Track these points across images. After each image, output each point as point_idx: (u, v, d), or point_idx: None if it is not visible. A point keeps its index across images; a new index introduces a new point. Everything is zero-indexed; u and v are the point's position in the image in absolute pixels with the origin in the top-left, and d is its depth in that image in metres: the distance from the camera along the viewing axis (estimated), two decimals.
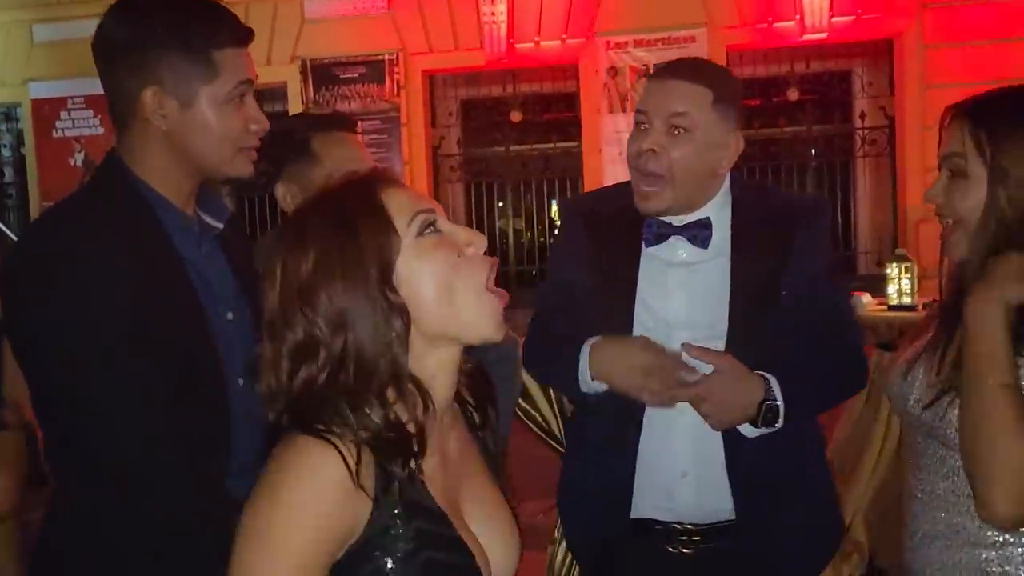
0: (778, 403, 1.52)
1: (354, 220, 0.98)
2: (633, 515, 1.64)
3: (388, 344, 0.96)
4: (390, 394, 0.97)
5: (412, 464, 0.96)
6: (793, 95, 6.78)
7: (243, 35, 1.34)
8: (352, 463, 0.91)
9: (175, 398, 1.19)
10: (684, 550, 1.64)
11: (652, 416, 1.63)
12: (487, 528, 1.04)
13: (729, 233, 1.64)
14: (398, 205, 1.00)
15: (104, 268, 1.19)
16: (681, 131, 1.57)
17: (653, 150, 1.58)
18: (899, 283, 4.87)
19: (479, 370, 1.16)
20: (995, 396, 1.20)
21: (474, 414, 1.14)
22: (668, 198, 1.60)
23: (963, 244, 1.31)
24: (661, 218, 1.66)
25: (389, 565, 0.93)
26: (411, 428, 0.98)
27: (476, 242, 1.02)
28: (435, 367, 1.02)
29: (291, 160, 1.87)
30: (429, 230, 1.00)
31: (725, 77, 1.68)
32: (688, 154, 1.58)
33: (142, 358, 1.18)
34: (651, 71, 1.67)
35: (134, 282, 1.20)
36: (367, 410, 0.94)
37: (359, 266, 0.96)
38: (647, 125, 1.61)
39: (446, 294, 0.98)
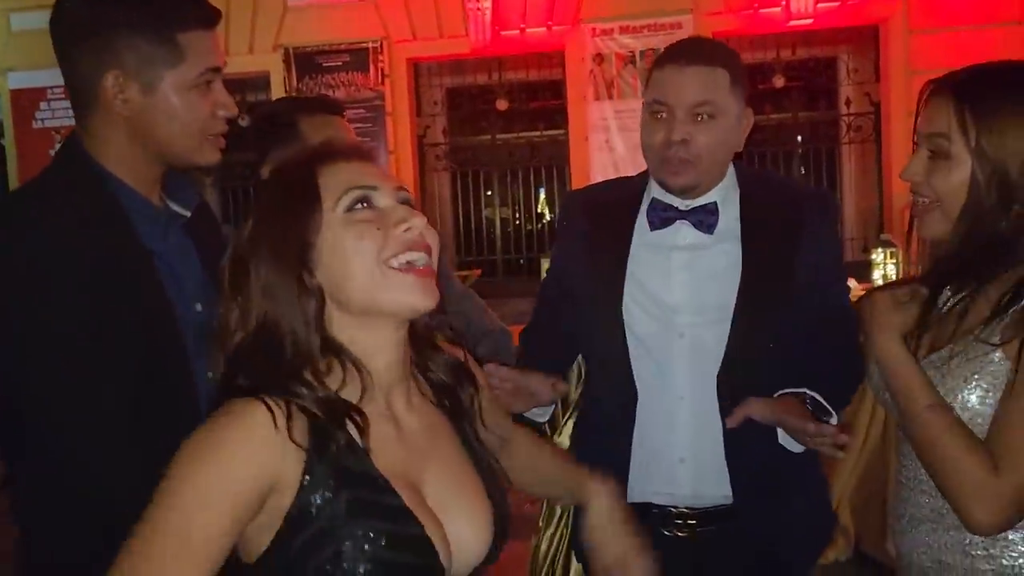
0: (814, 396, 1.53)
1: (282, 195, 1.00)
2: (633, 499, 1.65)
3: (302, 323, 0.97)
4: (320, 367, 0.99)
5: (352, 432, 0.96)
6: (779, 82, 6.78)
7: (210, 17, 1.30)
8: (280, 416, 0.92)
9: (140, 394, 1.15)
10: (680, 533, 1.65)
11: (652, 403, 1.63)
12: (452, 504, 1.03)
13: (738, 219, 1.64)
14: (334, 181, 1.00)
15: (62, 259, 1.15)
16: (705, 117, 1.56)
17: (684, 140, 1.57)
18: (884, 268, 4.89)
19: (460, 362, 1.15)
20: (931, 420, 1.23)
21: (448, 401, 1.14)
22: (695, 176, 1.60)
23: (941, 224, 1.30)
24: (667, 201, 1.66)
25: (345, 544, 0.93)
26: (347, 398, 0.98)
27: (412, 222, 1.01)
28: (372, 344, 1.02)
29: (278, 143, 1.84)
30: (360, 206, 1.00)
31: (733, 55, 1.68)
32: (714, 137, 1.58)
33: (104, 354, 1.14)
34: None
35: (95, 273, 1.16)
36: (295, 380, 0.96)
37: (281, 242, 0.98)
38: (666, 114, 1.59)
39: (359, 267, 0.99)
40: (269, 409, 0.92)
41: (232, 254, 1.01)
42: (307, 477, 0.93)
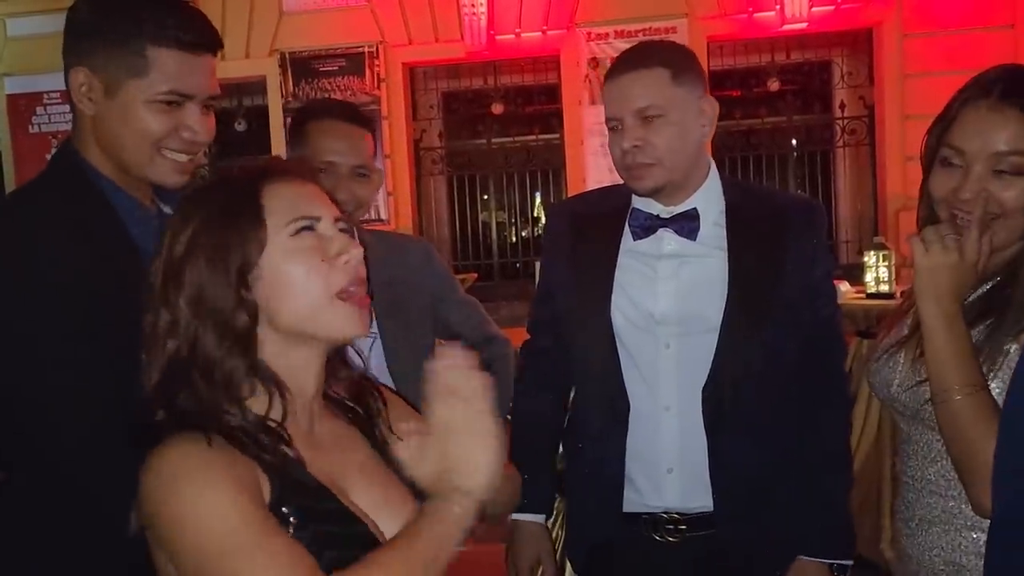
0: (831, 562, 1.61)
1: (227, 211, 1.01)
2: (626, 509, 1.66)
3: (234, 337, 0.99)
4: (246, 387, 1.01)
5: (283, 449, 0.99)
6: (774, 85, 6.80)
7: (190, 41, 1.28)
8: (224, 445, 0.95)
9: (129, 391, 1.16)
10: (670, 538, 1.65)
11: (639, 414, 1.63)
12: (381, 507, 1.06)
13: (723, 228, 1.64)
14: (278, 203, 1.02)
15: (49, 256, 1.16)
16: (654, 118, 1.57)
17: (636, 145, 1.57)
18: (877, 271, 4.89)
19: (362, 376, 1.19)
20: (964, 404, 1.19)
21: (359, 411, 1.17)
22: (661, 176, 1.59)
23: (1002, 234, 1.27)
24: (648, 210, 1.66)
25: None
26: (274, 415, 1.01)
27: (351, 253, 1.04)
28: (299, 364, 1.05)
29: (290, 143, 1.87)
30: (305, 232, 1.02)
31: (675, 50, 1.67)
32: (670, 135, 1.57)
33: (93, 352, 1.14)
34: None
35: (86, 272, 1.17)
36: (224, 398, 0.99)
37: (222, 257, 0.99)
38: (620, 126, 1.60)
39: (304, 295, 1.01)
40: (208, 439, 0.94)
41: (166, 257, 1.01)
42: (268, 487, 0.96)
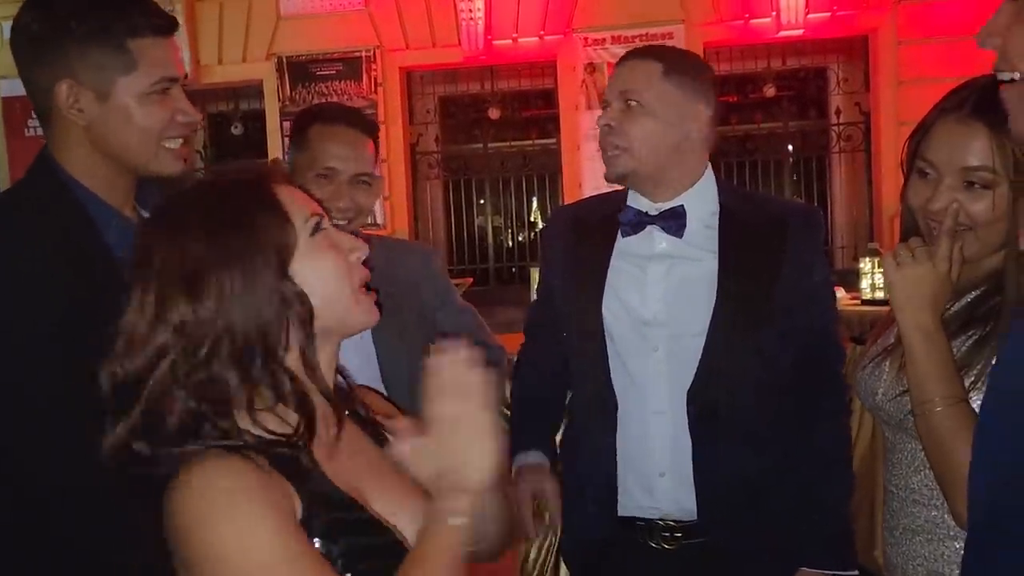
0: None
1: (251, 213, 0.99)
2: (621, 513, 1.66)
3: (283, 330, 0.97)
4: (277, 390, 0.98)
5: (309, 462, 0.98)
6: (770, 91, 6.81)
7: (162, 25, 1.28)
8: (260, 465, 0.93)
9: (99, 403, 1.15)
10: (666, 545, 1.65)
11: (628, 417, 1.63)
12: (398, 510, 1.05)
13: (715, 230, 1.64)
14: (293, 203, 1.03)
15: (24, 268, 1.15)
16: (635, 104, 1.59)
17: (609, 125, 1.61)
18: (872, 277, 4.90)
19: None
20: (945, 415, 1.20)
21: (365, 413, 1.17)
22: (629, 164, 1.61)
23: (975, 246, 1.28)
24: (637, 206, 1.67)
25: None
26: (292, 423, 0.99)
27: (359, 248, 1.07)
28: (322, 362, 1.05)
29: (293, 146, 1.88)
30: (319, 230, 1.04)
31: (679, 53, 1.73)
32: (646, 127, 1.59)
33: (65, 361, 1.12)
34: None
35: (58, 283, 1.16)
36: (257, 407, 0.96)
37: (255, 257, 0.97)
38: (608, 107, 1.64)
39: (336, 291, 1.02)
40: (251, 461, 0.92)
41: (168, 276, 0.96)
42: (300, 505, 0.95)
